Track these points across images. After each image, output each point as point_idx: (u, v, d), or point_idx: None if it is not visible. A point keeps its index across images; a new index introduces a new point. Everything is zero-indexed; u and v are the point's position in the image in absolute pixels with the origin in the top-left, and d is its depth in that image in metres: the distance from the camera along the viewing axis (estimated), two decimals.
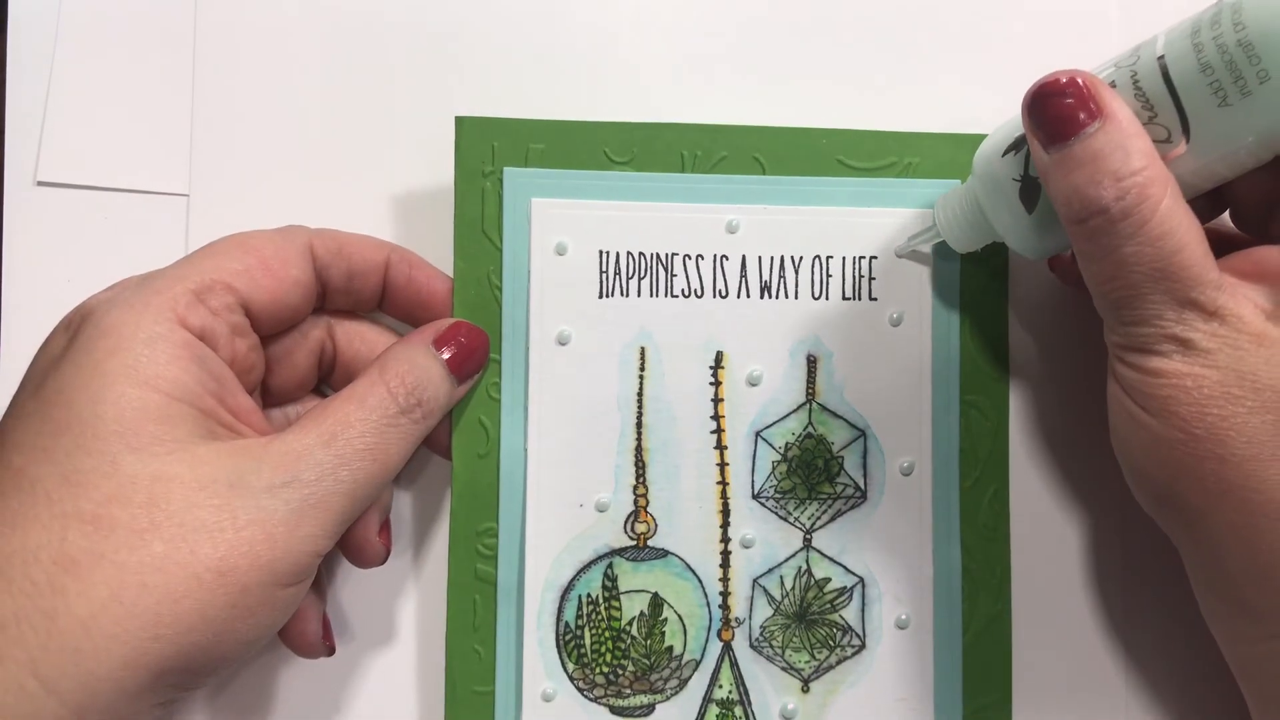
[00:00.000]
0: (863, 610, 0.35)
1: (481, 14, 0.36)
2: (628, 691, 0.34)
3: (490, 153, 0.34)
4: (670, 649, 0.34)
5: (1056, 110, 0.27)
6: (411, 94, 0.36)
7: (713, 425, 0.35)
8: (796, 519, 0.35)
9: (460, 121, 0.34)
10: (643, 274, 0.35)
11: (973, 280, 0.35)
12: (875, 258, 0.35)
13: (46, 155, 0.36)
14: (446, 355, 0.32)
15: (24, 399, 0.28)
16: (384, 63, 0.36)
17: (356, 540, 0.31)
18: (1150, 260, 0.26)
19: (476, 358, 0.33)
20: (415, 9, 0.36)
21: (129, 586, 0.25)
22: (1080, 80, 0.27)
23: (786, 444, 0.35)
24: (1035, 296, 0.36)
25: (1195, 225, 0.27)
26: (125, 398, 0.27)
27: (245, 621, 0.27)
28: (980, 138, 0.35)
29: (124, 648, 0.25)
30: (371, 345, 0.33)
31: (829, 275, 0.35)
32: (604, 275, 0.34)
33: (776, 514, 0.35)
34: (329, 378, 0.34)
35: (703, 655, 0.34)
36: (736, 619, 0.35)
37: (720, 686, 0.34)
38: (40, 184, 0.36)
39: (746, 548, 0.35)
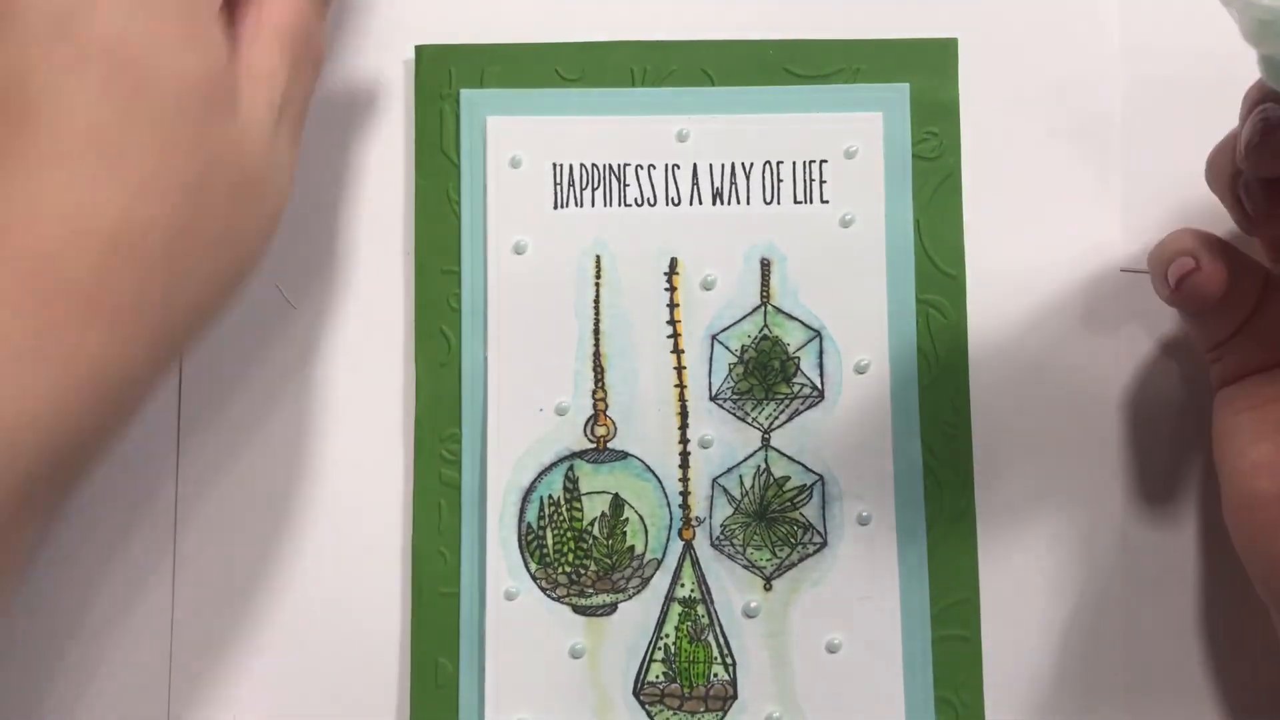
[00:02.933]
0: (823, 507, 0.35)
1: None
2: (590, 591, 0.35)
3: (448, 77, 0.36)
4: (632, 549, 0.35)
5: None
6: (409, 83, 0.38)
7: (669, 330, 0.35)
8: (754, 419, 0.35)
9: (420, 50, 0.36)
10: (596, 184, 0.36)
11: (926, 181, 0.36)
12: (826, 161, 0.36)
13: None
14: None
15: None
16: (389, 55, 0.37)
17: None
18: None
19: None
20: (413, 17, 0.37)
21: None
22: None
23: (743, 346, 0.35)
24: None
25: None
26: None
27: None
28: (928, 42, 0.36)
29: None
30: None
31: (780, 180, 0.36)
32: (558, 186, 0.36)
33: (734, 414, 0.35)
34: None
35: (664, 554, 0.35)
36: (697, 518, 0.35)
37: (682, 585, 0.35)
38: None
39: (705, 448, 0.35)
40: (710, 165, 0.36)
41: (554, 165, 0.36)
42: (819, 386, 0.35)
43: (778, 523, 0.35)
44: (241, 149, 0.27)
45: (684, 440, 0.35)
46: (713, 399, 0.35)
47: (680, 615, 0.35)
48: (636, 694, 0.34)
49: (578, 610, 0.34)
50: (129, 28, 0.26)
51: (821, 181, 0.36)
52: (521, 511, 0.35)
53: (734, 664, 0.34)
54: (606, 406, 0.35)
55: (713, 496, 0.35)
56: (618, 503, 0.35)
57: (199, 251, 0.27)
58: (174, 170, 0.26)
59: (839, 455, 0.35)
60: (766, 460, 0.35)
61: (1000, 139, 0.37)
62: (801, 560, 0.35)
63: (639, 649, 0.34)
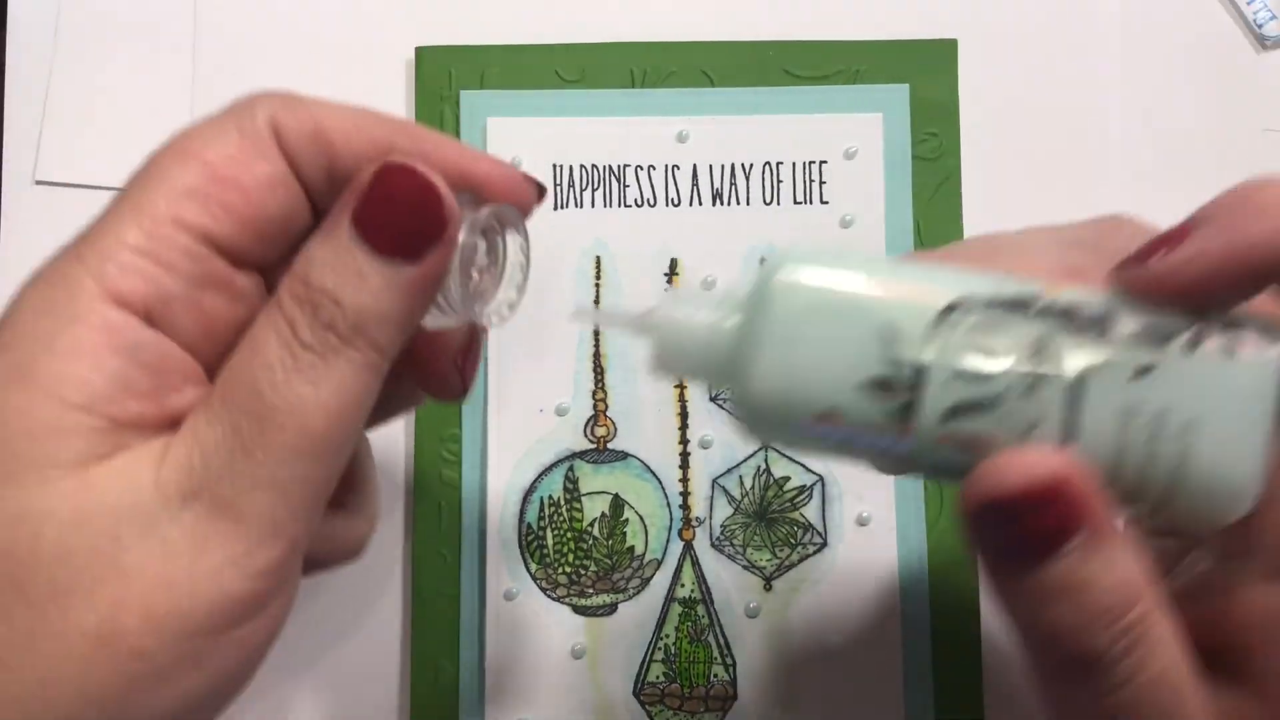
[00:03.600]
0: (823, 508, 0.35)
1: None
2: (590, 591, 0.35)
3: (448, 78, 0.36)
4: (632, 549, 0.35)
5: (1032, 530, 0.19)
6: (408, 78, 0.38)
7: None
8: None
9: (420, 51, 0.36)
10: (596, 185, 0.36)
11: (926, 181, 0.36)
12: (825, 162, 0.36)
13: (45, 155, 0.36)
14: (373, 234, 0.21)
15: None
16: (389, 56, 0.37)
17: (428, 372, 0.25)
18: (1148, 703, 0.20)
19: (422, 216, 0.21)
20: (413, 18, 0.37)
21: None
22: (1068, 482, 0.19)
23: None
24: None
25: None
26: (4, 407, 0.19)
27: (159, 693, 0.20)
28: (927, 43, 0.36)
29: None
30: None
31: (779, 181, 0.36)
32: (558, 188, 0.36)
33: (734, 415, 0.35)
34: None
35: (664, 555, 0.35)
36: (697, 519, 0.35)
37: (682, 585, 0.35)
38: (39, 183, 0.36)
39: (705, 448, 0.35)
40: (710, 166, 0.36)
41: (554, 166, 0.36)
42: None
43: (778, 523, 0.35)
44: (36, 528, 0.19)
45: (684, 440, 0.35)
46: (713, 399, 0.35)
47: (680, 615, 0.35)
48: (637, 694, 0.34)
49: (578, 610, 0.34)
50: None
51: (821, 182, 0.36)
52: (521, 512, 0.35)
53: (734, 664, 0.34)
54: (606, 407, 0.35)
55: (713, 497, 0.35)
56: (618, 503, 0.35)
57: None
58: None
59: None
60: (766, 461, 0.35)
61: (1000, 139, 0.37)
62: (801, 560, 0.35)
63: (639, 649, 0.34)
